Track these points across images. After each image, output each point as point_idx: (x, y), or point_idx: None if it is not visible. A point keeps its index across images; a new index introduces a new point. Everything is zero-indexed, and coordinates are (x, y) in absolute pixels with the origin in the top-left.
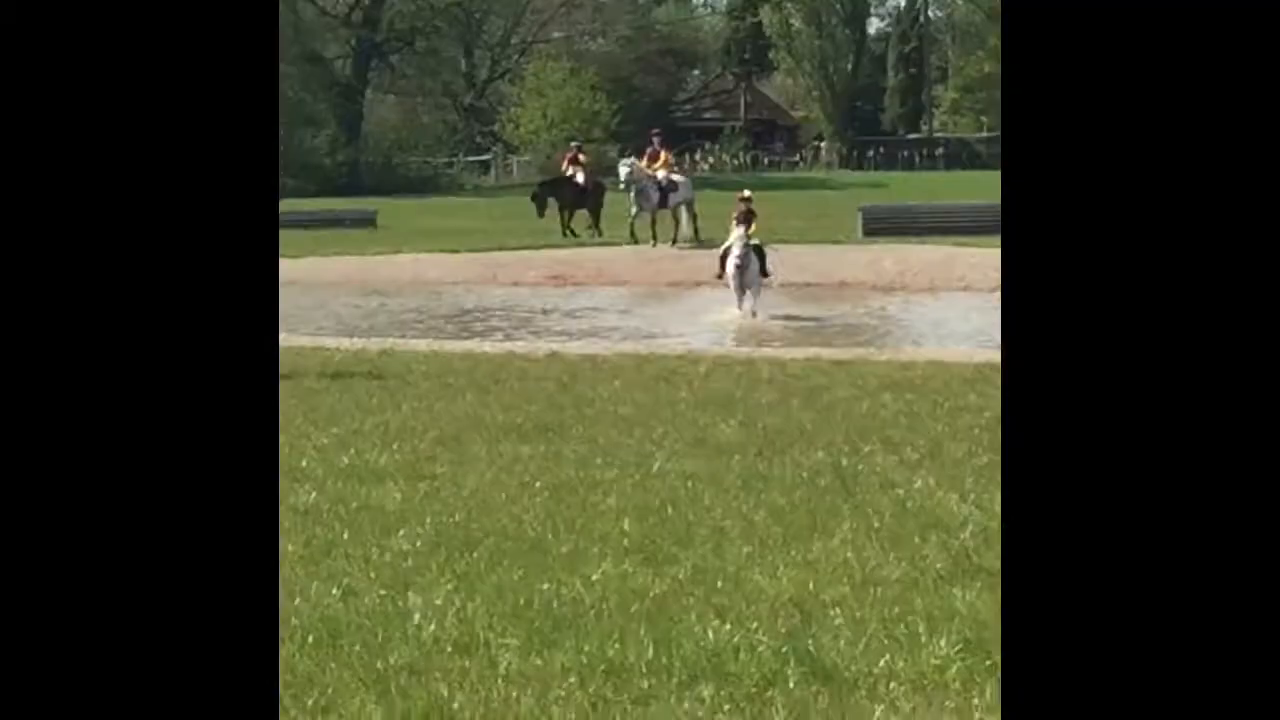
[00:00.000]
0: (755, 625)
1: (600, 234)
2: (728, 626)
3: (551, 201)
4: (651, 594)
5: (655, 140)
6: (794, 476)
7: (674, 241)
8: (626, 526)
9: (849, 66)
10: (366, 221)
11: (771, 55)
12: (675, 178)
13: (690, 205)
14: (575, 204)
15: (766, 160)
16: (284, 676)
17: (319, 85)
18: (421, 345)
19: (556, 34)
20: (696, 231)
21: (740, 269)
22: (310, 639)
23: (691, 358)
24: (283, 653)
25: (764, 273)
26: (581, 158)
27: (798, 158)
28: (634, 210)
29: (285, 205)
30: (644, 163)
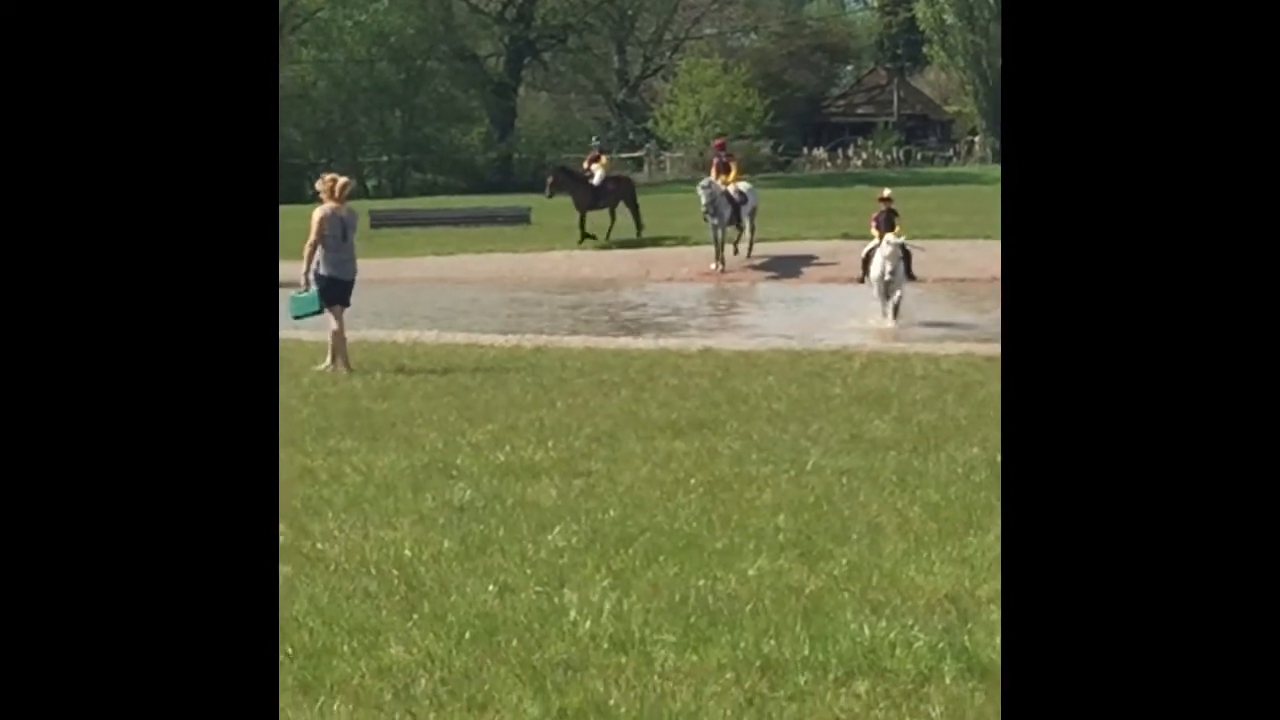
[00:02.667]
0: (911, 621)
1: (641, 230)
2: (883, 622)
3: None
4: (807, 590)
5: (720, 153)
6: (949, 472)
7: (748, 253)
8: (782, 522)
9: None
10: (520, 218)
11: (925, 50)
12: (743, 187)
13: (755, 213)
14: (590, 205)
15: (919, 156)
16: (439, 673)
17: (472, 82)
18: (575, 342)
19: (709, 30)
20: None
21: (886, 274)
22: (467, 635)
23: (845, 353)
24: (439, 649)
25: (910, 275)
26: (603, 158)
27: (951, 153)
28: (712, 224)
29: (437, 202)
30: (714, 175)
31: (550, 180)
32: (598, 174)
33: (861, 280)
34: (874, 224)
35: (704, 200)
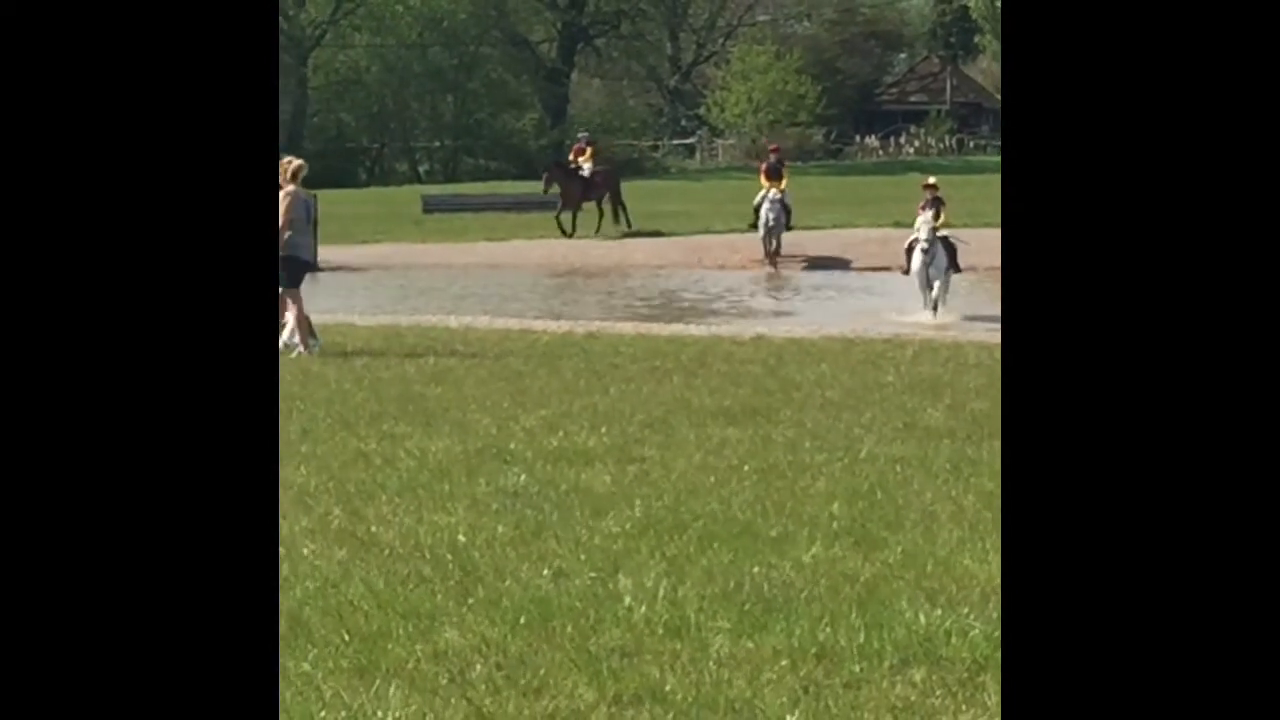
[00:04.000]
0: (967, 610)
1: (630, 226)
2: (939, 611)
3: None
4: (862, 578)
5: (775, 157)
6: None
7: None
8: (836, 510)
9: None
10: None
11: (977, 39)
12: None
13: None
14: (580, 198)
15: (972, 144)
16: (495, 658)
17: (524, 68)
18: (628, 328)
19: (762, 17)
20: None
21: (926, 264)
22: (522, 620)
23: (898, 341)
24: (494, 634)
25: (955, 267)
26: (589, 150)
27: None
28: (769, 229)
29: (489, 188)
30: (764, 179)
31: (545, 176)
32: (585, 167)
33: (906, 271)
34: (919, 209)
35: (771, 218)
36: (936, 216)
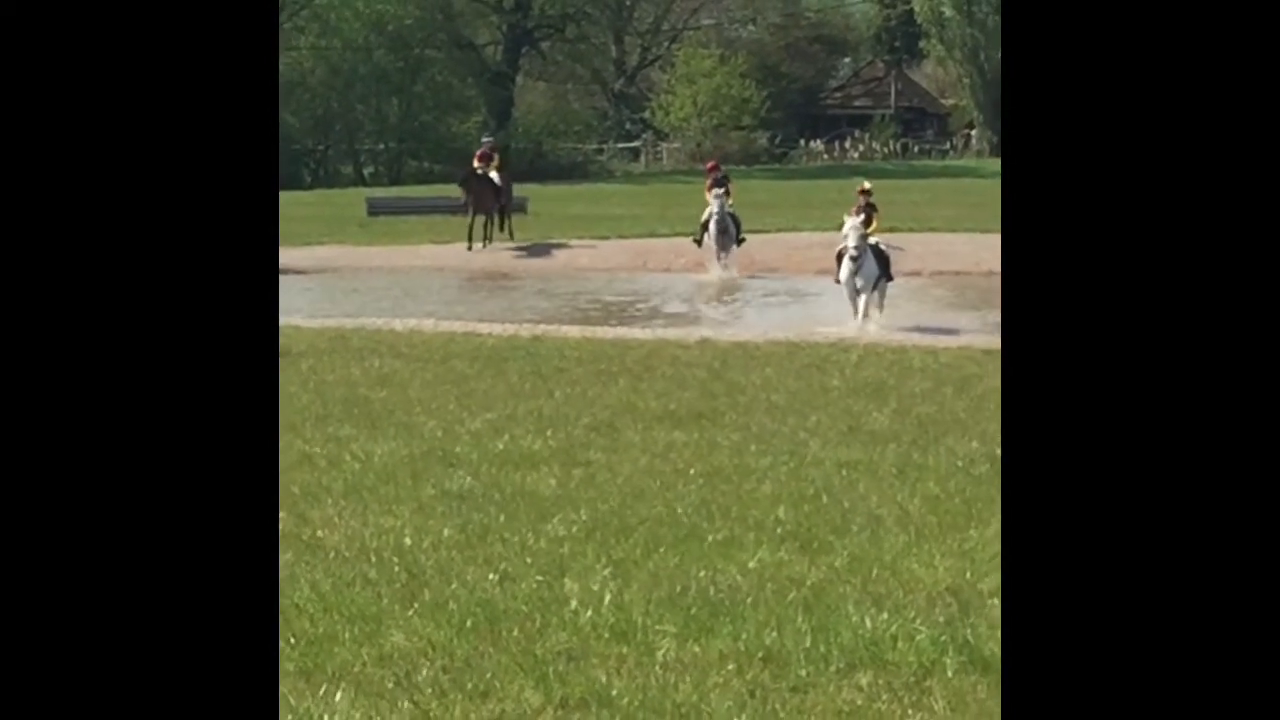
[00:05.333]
0: (913, 614)
1: (512, 237)
2: (885, 615)
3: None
4: (808, 582)
5: (717, 174)
6: (949, 465)
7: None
8: (782, 514)
9: (1000, 54)
10: (517, 208)
11: (922, 43)
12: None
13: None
14: (493, 206)
15: (917, 148)
16: (441, 661)
17: (469, 71)
18: (573, 331)
19: (707, 21)
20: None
21: (854, 272)
22: (468, 623)
23: (843, 345)
24: (440, 637)
25: (887, 276)
26: (496, 156)
27: (948, 146)
28: (721, 241)
29: (434, 191)
30: (709, 192)
31: (461, 183)
32: (494, 175)
33: (839, 281)
34: (849, 214)
35: (716, 210)
36: (867, 223)
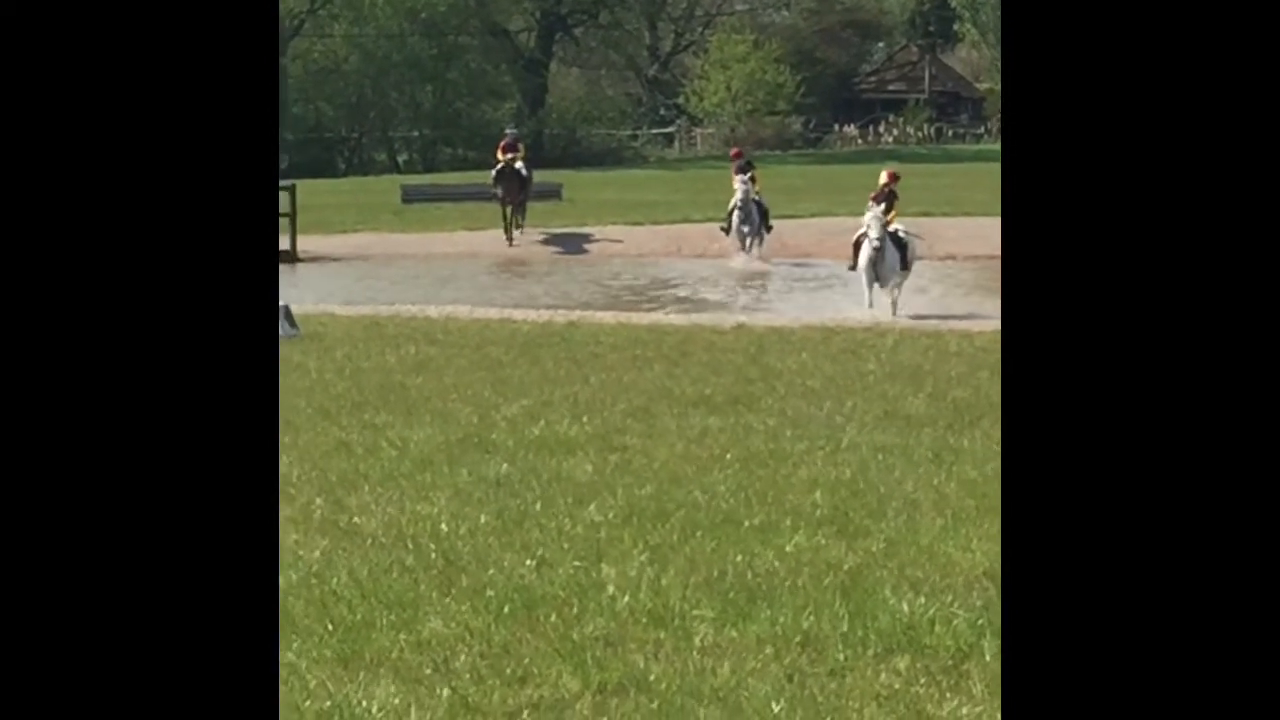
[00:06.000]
0: (950, 598)
1: (520, 228)
2: (922, 599)
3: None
4: (845, 566)
5: (740, 161)
6: (985, 449)
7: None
8: (818, 499)
9: None
10: (552, 194)
11: (956, 27)
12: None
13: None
14: (520, 198)
15: (951, 133)
16: (479, 647)
17: (503, 58)
18: (608, 317)
19: (740, 6)
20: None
21: (874, 261)
22: (506, 609)
23: (879, 330)
24: (478, 623)
25: (905, 265)
26: (520, 146)
27: (982, 130)
28: (744, 230)
29: (468, 178)
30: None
31: (495, 179)
32: (521, 165)
33: (852, 267)
34: (873, 202)
35: (740, 195)
36: (888, 210)
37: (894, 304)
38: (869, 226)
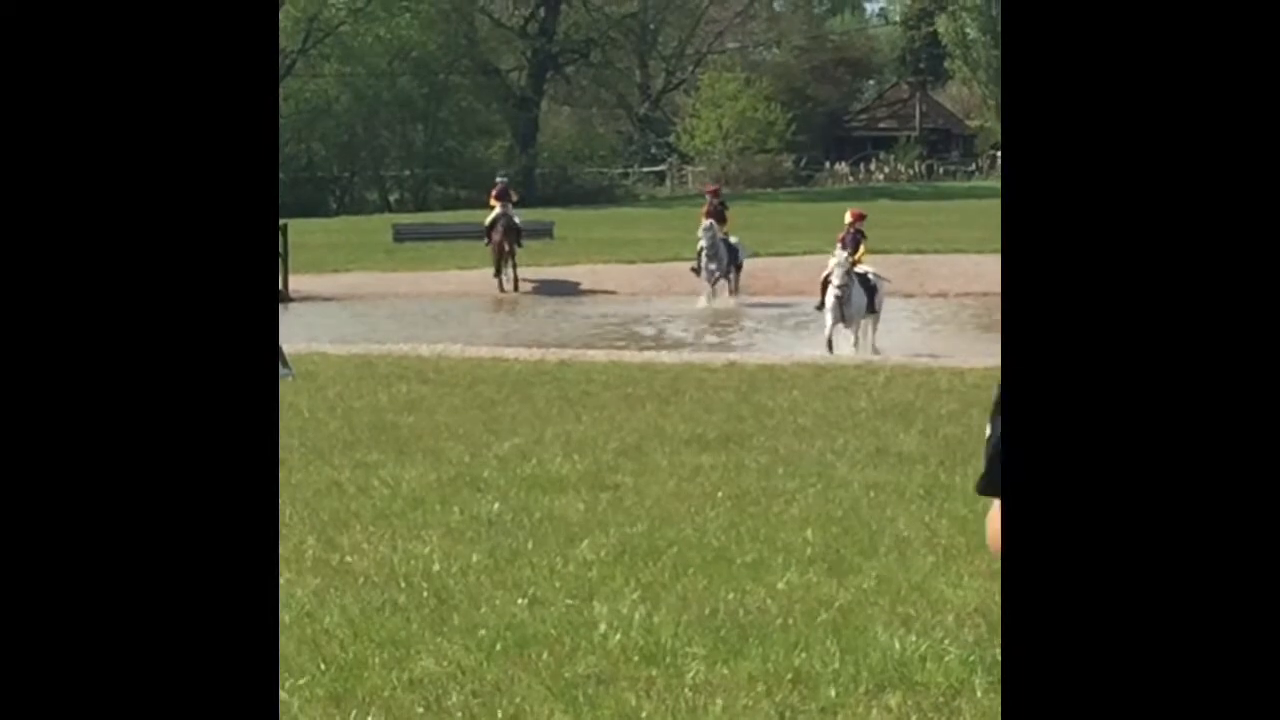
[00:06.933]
0: (941, 635)
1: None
2: (914, 636)
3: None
4: (837, 603)
5: (714, 199)
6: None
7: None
8: (810, 536)
9: None
10: (543, 233)
11: (947, 64)
12: (733, 240)
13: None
14: (514, 244)
15: (942, 170)
16: (471, 685)
17: (494, 96)
18: (600, 355)
19: (731, 44)
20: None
21: (840, 300)
22: (498, 647)
23: (870, 367)
24: (470, 661)
25: (872, 308)
26: (511, 193)
27: (973, 167)
28: (710, 271)
29: (460, 216)
30: (704, 219)
31: (489, 227)
32: (512, 212)
33: (819, 307)
34: (840, 244)
35: (705, 240)
36: (855, 250)
37: (856, 343)
38: (833, 271)
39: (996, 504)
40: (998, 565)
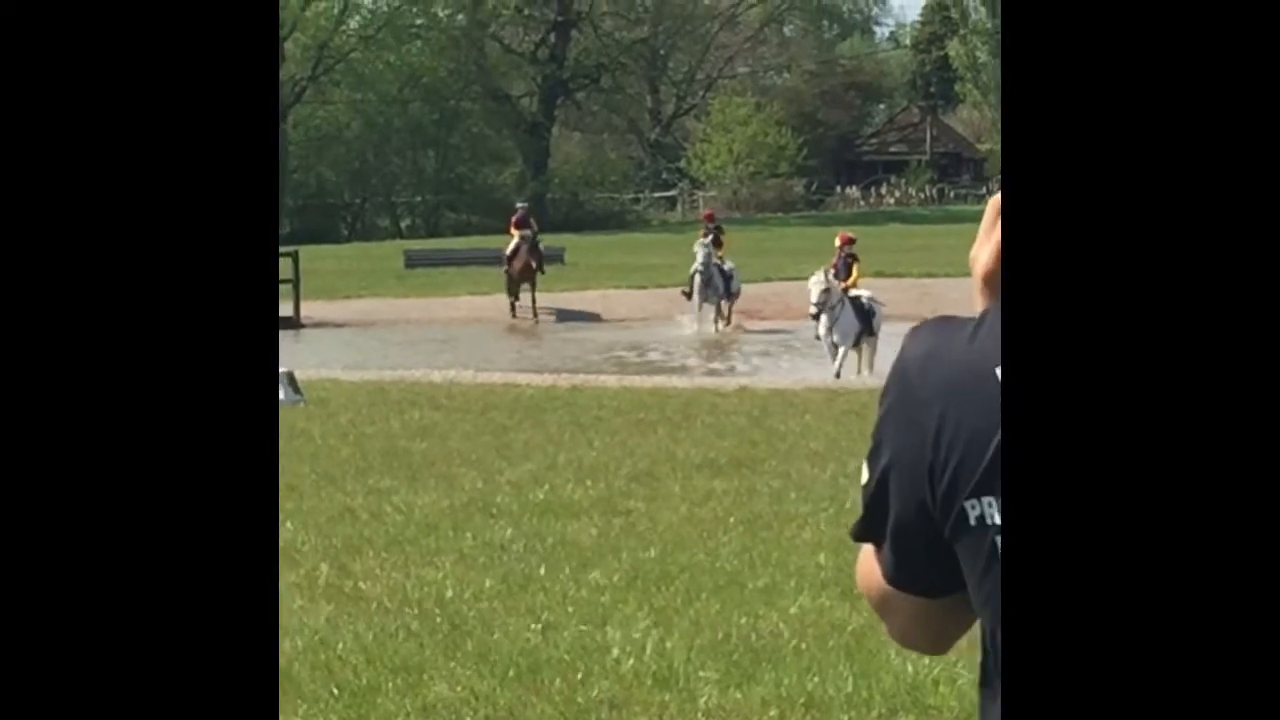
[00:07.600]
0: (954, 658)
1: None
2: (926, 660)
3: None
4: (849, 628)
5: (711, 225)
6: None
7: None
8: (823, 560)
9: None
10: (555, 258)
11: (957, 88)
12: (727, 267)
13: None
14: (535, 271)
15: (953, 194)
16: (484, 711)
17: (505, 123)
18: (611, 380)
19: (741, 69)
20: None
21: (829, 325)
22: (511, 673)
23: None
24: (483, 687)
25: (870, 331)
26: (531, 221)
27: (984, 190)
28: (698, 297)
29: (471, 242)
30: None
31: (512, 255)
32: (533, 239)
33: (819, 337)
34: (832, 270)
35: (700, 258)
36: (847, 274)
37: (839, 368)
38: (811, 294)
39: (867, 548)
40: None
